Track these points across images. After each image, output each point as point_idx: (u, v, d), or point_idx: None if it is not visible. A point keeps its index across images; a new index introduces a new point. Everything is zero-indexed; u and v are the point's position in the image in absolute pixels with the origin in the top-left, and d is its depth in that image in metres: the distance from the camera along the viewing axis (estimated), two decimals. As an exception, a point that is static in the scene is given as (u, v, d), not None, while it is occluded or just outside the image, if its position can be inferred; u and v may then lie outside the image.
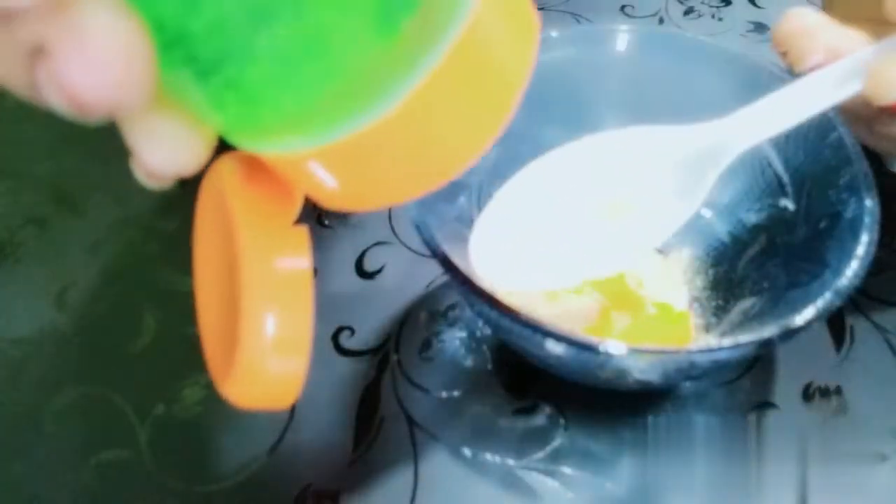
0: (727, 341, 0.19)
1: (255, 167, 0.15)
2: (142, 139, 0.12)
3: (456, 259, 0.20)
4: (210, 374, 0.17)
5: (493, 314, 0.19)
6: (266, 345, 0.14)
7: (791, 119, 0.22)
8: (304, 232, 0.15)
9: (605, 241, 0.22)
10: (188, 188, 0.16)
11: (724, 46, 0.27)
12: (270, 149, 0.13)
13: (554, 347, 0.19)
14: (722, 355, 0.19)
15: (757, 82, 0.25)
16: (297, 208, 0.15)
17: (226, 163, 0.15)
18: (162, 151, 0.12)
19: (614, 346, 0.18)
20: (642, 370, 0.20)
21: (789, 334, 0.19)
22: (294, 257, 0.15)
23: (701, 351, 0.19)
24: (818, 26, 0.24)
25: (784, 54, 0.25)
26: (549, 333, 0.18)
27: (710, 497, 0.24)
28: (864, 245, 0.20)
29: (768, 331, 0.19)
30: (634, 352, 0.18)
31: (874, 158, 0.26)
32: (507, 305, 0.19)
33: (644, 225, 0.23)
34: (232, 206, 0.14)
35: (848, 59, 0.22)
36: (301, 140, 0.13)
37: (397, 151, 0.13)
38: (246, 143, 0.13)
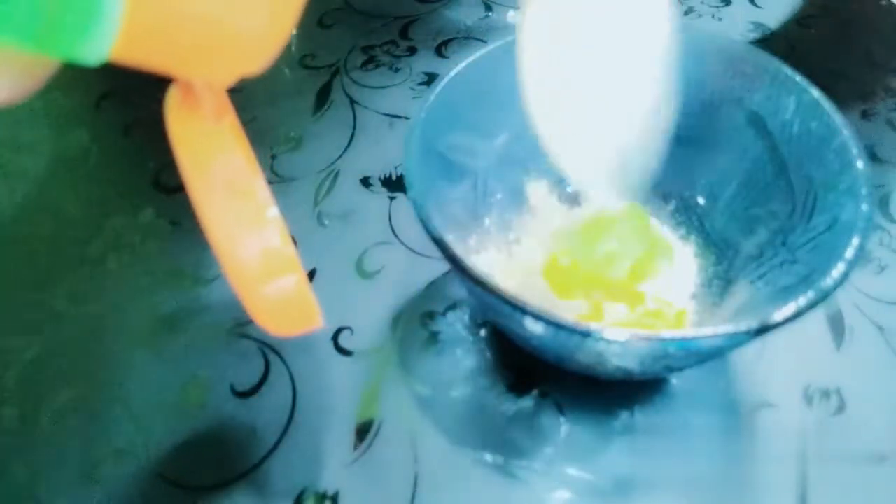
0: (704, 330, 0.19)
1: (182, 89, 0.14)
2: None
3: (449, 237, 0.21)
4: (250, 315, 0.16)
5: (478, 290, 0.20)
6: (250, 273, 0.13)
7: None
8: (231, 126, 0.14)
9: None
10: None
11: (717, 35, 0.28)
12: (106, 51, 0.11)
13: (532, 326, 0.20)
14: (697, 345, 0.19)
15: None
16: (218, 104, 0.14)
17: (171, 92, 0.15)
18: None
19: (587, 326, 0.18)
20: (617, 354, 0.21)
21: (765, 329, 0.19)
22: (230, 163, 0.13)
23: (673, 339, 0.19)
24: None
25: None
26: (527, 311, 0.19)
27: (709, 497, 0.24)
28: (853, 248, 0.20)
29: (745, 324, 0.19)
30: (605, 331, 0.18)
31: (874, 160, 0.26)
32: (490, 283, 0.19)
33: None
34: (174, 131, 0.14)
35: None
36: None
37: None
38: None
